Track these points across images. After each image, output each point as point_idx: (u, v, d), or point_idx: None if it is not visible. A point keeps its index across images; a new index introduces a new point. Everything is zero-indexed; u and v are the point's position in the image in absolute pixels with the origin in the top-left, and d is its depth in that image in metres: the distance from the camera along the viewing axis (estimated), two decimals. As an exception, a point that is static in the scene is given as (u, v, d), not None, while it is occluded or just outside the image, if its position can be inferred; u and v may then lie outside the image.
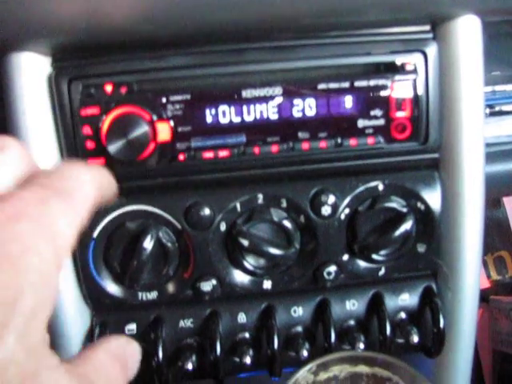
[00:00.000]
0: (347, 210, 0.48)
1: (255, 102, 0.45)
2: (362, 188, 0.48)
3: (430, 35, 0.46)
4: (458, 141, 0.47)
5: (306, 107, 0.45)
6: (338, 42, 0.46)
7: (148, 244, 0.45)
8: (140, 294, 0.49)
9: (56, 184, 0.24)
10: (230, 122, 0.45)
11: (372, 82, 0.45)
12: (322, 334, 0.49)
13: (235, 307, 0.51)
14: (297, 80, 0.45)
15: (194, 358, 0.49)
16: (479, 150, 0.48)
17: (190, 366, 0.48)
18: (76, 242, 0.24)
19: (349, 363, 0.42)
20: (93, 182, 0.27)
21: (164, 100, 0.44)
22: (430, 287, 0.52)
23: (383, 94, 0.45)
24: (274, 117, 0.45)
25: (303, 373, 0.40)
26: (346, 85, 0.45)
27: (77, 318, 0.48)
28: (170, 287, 0.49)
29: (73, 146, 0.45)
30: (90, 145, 0.44)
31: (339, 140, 0.46)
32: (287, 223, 0.48)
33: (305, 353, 0.49)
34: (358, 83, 0.45)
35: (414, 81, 0.46)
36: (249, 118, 0.45)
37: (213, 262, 0.48)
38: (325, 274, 0.49)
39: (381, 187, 0.48)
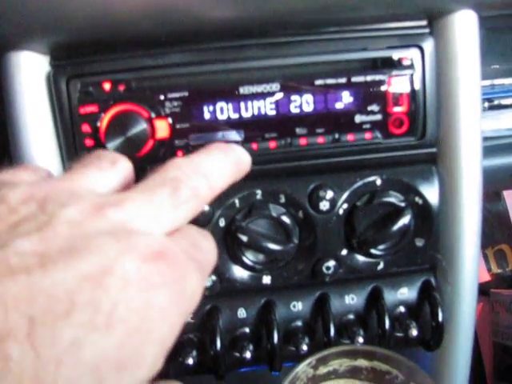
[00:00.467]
0: (345, 205, 0.48)
1: (253, 99, 0.45)
2: (359, 183, 0.48)
3: (427, 30, 0.46)
4: (455, 135, 0.47)
5: (303, 103, 0.45)
6: (335, 37, 0.46)
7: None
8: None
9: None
10: (228, 118, 0.45)
11: (369, 78, 0.45)
12: (322, 328, 0.49)
13: (235, 302, 0.51)
14: (294, 76, 0.45)
15: (194, 353, 0.49)
16: (477, 145, 0.48)
17: (190, 361, 0.48)
18: None
19: (348, 357, 0.42)
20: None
21: (162, 97, 0.44)
22: (429, 281, 0.52)
23: (380, 89, 0.46)
24: (272, 113, 0.45)
25: (303, 367, 0.40)
26: (343, 80, 0.45)
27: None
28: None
29: (72, 144, 0.45)
30: (89, 142, 0.44)
31: (337, 135, 0.46)
32: (286, 219, 0.48)
33: (304, 347, 0.49)
34: (355, 79, 0.45)
35: (411, 76, 0.46)
36: (246, 115, 0.45)
37: (212, 258, 0.48)
38: (324, 268, 0.49)
39: (379, 182, 0.48)
